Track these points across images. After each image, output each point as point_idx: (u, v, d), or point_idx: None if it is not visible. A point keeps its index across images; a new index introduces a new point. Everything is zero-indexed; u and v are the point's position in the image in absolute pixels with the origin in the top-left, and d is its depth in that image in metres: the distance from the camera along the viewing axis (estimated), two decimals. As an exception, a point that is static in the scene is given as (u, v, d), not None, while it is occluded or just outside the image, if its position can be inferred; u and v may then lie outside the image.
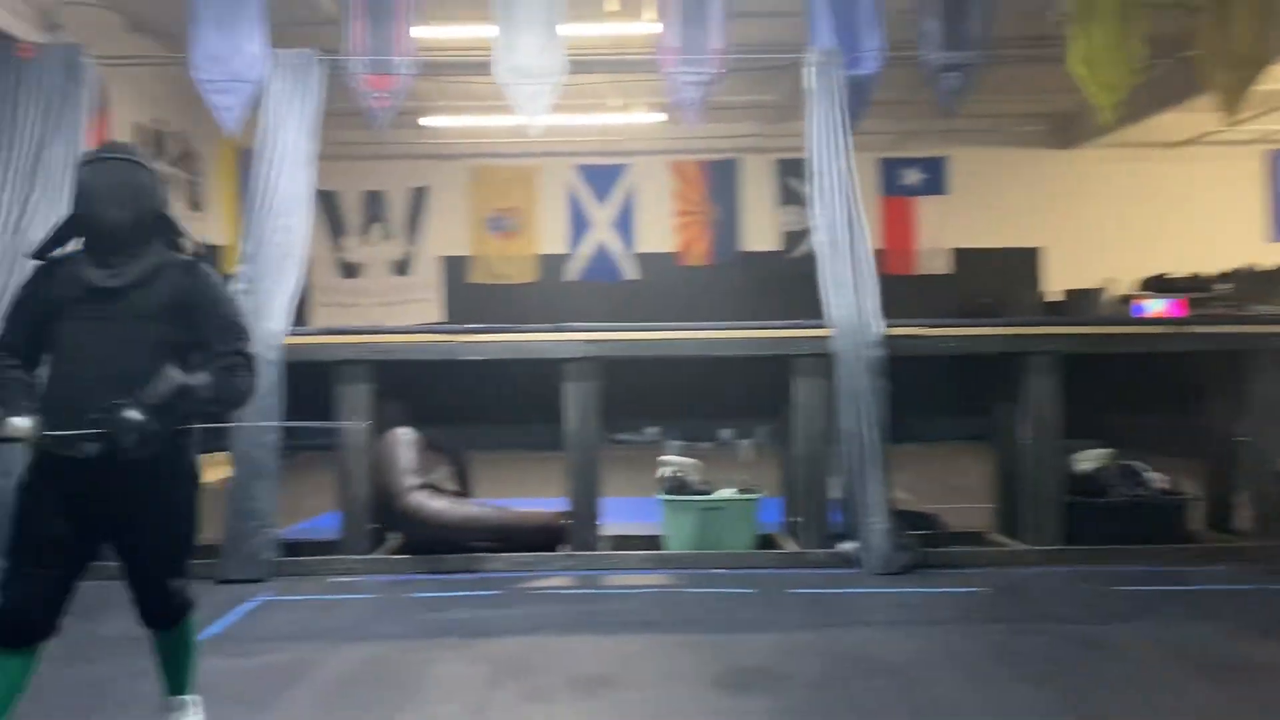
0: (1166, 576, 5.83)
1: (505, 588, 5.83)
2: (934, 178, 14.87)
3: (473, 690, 4.13)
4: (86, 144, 7.25)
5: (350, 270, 15.00)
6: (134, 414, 3.03)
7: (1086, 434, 6.59)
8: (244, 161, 12.26)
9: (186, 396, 3.14)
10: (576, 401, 6.28)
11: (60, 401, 3.12)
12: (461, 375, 6.47)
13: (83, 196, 3.20)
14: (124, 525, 3.22)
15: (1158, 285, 14.15)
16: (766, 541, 6.55)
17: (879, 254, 13.63)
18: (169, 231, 3.36)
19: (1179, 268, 14.17)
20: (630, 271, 14.83)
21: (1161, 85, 9.78)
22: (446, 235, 14.92)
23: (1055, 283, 14.61)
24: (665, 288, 14.34)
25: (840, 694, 4.05)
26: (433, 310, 14.82)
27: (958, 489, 8.83)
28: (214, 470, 10.36)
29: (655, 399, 6.85)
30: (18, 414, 3.05)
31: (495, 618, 5.24)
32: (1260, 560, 6.06)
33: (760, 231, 14.87)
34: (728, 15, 7.02)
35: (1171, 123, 12.80)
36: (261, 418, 6.06)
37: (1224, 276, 13.81)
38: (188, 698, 3.50)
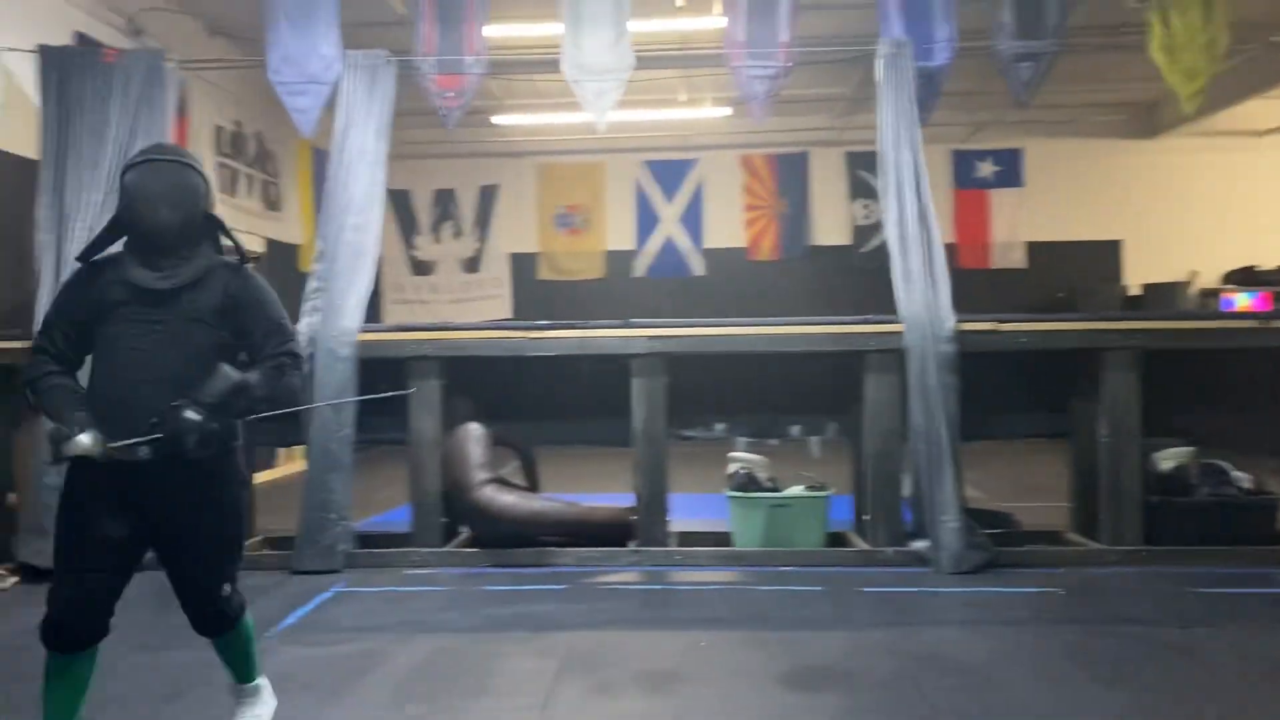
0: (1251, 579, 5.66)
1: (574, 582, 5.87)
2: (1008, 170, 14.57)
3: (540, 683, 4.16)
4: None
5: (421, 268, 15.21)
6: (193, 415, 3.04)
7: (1168, 431, 6.41)
8: (319, 161, 12.58)
9: (242, 394, 3.14)
10: (644, 397, 6.29)
11: (111, 405, 3.10)
12: (530, 371, 6.52)
13: (133, 198, 3.18)
14: (169, 527, 3.19)
15: (1244, 278, 13.69)
16: (836, 539, 6.49)
17: (952, 248, 13.48)
18: (216, 233, 3.37)
19: (1267, 260, 13.69)
20: (698, 267, 14.80)
21: (1247, 72, 9.45)
22: (515, 232, 15.04)
23: (1136, 276, 14.22)
24: (733, 283, 14.29)
25: (910, 693, 4.00)
26: (502, 307, 14.96)
27: (1033, 487, 8.67)
28: (290, 464, 10.62)
29: (723, 395, 6.82)
30: (75, 428, 3.01)
31: (564, 612, 5.28)
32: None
33: (830, 226, 14.73)
34: (796, 8, 6.96)
35: (1258, 110, 12.39)
36: (335, 412, 6.19)
37: (1315, 269, 13.33)
38: (254, 683, 3.54)
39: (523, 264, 15.05)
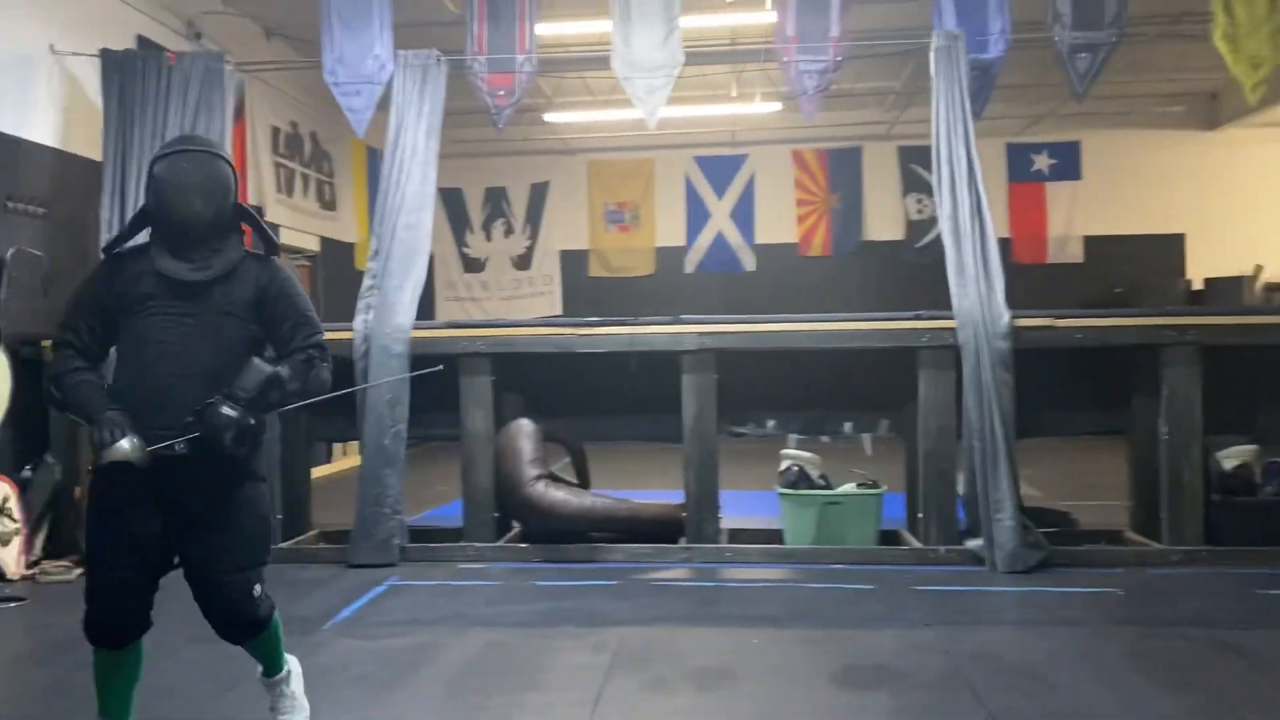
0: (1319, 581, 5.52)
1: (624, 578, 5.88)
2: (1065, 162, 14.32)
3: (592, 678, 4.17)
4: (230, 146, 7.63)
5: (473, 265, 15.33)
6: (230, 411, 3.01)
7: (1231, 429, 6.27)
8: (373, 160, 12.73)
9: (276, 387, 3.12)
10: (694, 394, 6.29)
11: (142, 401, 3.05)
12: (580, 367, 6.54)
13: (165, 189, 3.10)
14: (201, 524, 3.10)
15: (1311, 272, 13.33)
16: (889, 538, 6.44)
17: (1007, 243, 13.30)
18: (249, 224, 3.32)
19: (1335, 253, 13.33)
20: (749, 263, 14.75)
21: (1315, 60, 9.20)
22: (565, 229, 15.10)
23: (1198, 271, 13.91)
24: (785, 279, 14.22)
25: (964, 693, 3.96)
26: (552, 304, 15.03)
27: (1091, 486, 8.53)
28: (345, 459, 10.77)
29: (774, 392, 6.79)
30: (115, 432, 2.95)
31: (615, 608, 5.29)
32: None
33: (883, 221, 14.59)
34: (847, 2, 6.91)
35: (1326, 99, 12.05)
36: (390, 407, 6.28)
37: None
38: (282, 672, 3.42)
39: (573, 261, 15.11)
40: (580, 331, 6.45)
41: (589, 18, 9.24)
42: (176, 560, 3.15)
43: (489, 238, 15.31)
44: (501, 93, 7.14)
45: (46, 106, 7.17)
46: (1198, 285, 13.66)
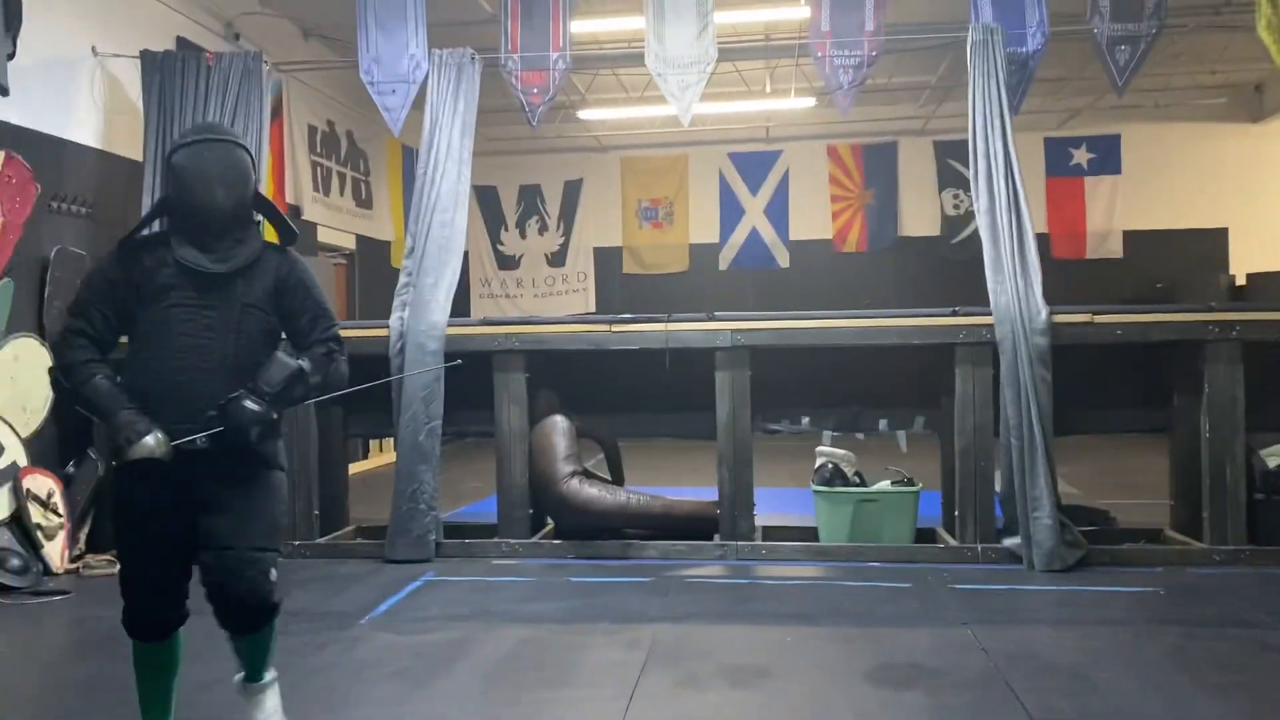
0: (1367, 581, 5.41)
1: (658, 575, 5.88)
2: (1104, 157, 14.13)
3: (626, 675, 4.18)
4: (268, 145, 7.71)
5: (507, 262, 15.39)
6: (254, 405, 2.99)
7: (1274, 427, 6.16)
8: (408, 159, 12.83)
9: (299, 382, 3.10)
10: (728, 391, 6.27)
11: (163, 394, 3.01)
12: (614, 364, 6.55)
13: (187, 178, 3.05)
14: (219, 508, 3.06)
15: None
16: (925, 535, 6.39)
17: (1045, 238, 13.17)
18: (269, 214, 3.31)
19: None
20: (783, 260, 14.69)
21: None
22: (599, 226, 15.13)
23: (1242, 265, 13.67)
24: (819, 275, 14.15)
25: (1001, 693, 3.92)
26: (585, 301, 15.07)
27: (1131, 484, 8.42)
28: (381, 456, 10.86)
29: (809, 389, 6.76)
30: (132, 433, 2.93)
31: (649, 604, 5.30)
32: None
33: (919, 216, 14.48)
34: (882, -4, 6.86)
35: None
36: (425, 404, 6.32)
37: None
38: (266, 678, 3.29)
39: (606, 258, 15.13)
40: (614, 328, 6.46)
41: (623, 14, 9.25)
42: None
43: (523, 235, 15.37)
44: (535, 90, 7.16)
45: (89, 108, 7.28)
46: (1241, 281, 13.42)
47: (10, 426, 6.17)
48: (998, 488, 6.12)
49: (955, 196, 14.21)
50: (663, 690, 4.03)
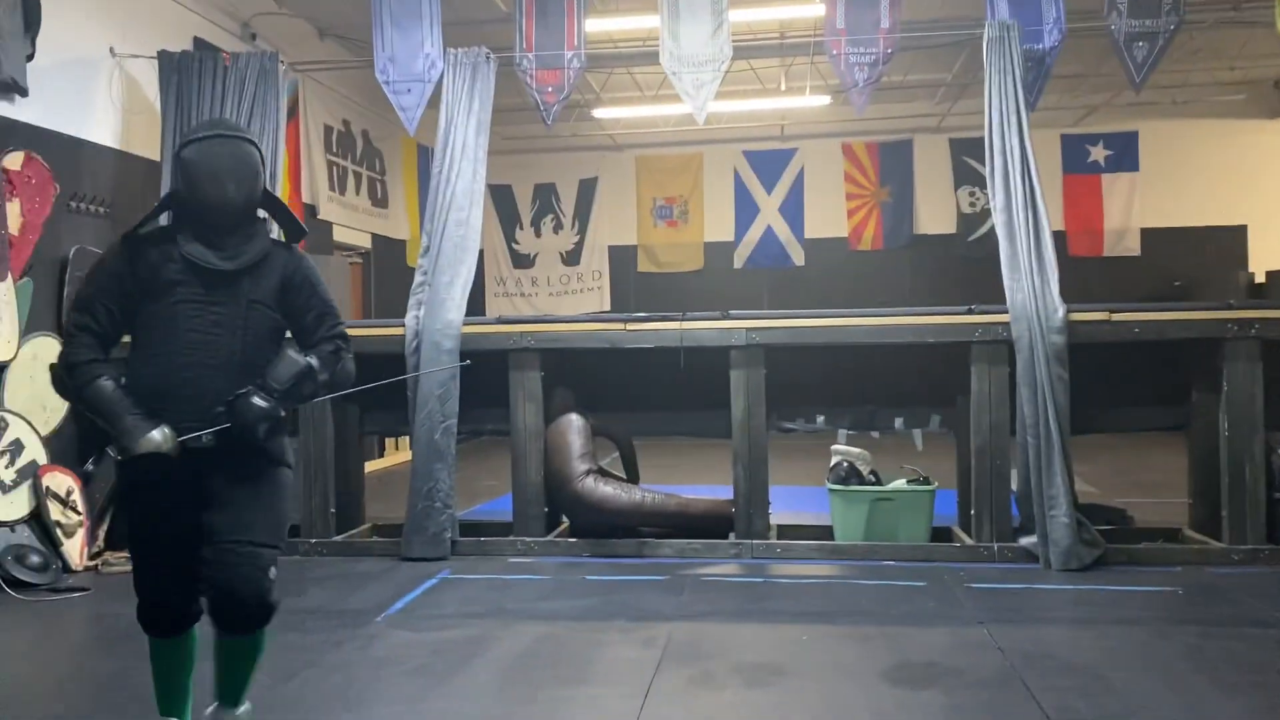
0: (1388, 581, 5.37)
1: (674, 573, 5.88)
2: (1122, 153, 14.05)
3: (642, 673, 4.18)
4: (284, 145, 7.74)
5: (522, 261, 15.42)
6: (261, 402, 2.98)
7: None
8: (424, 158, 12.86)
9: (308, 379, 3.09)
10: (743, 389, 6.27)
11: (170, 391, 2.99)
12: (629, 363, 6.56)
13: (198, 173, 3.03)
14: (221, 501, 3.04)
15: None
16: (941, 534, 6.37)
17: (1062, 235, 13.09)
18: (277, 210, 3.29)
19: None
20: (798, 258, 14.67)
21: (1384, 45, 8.96)
22: (614, 225, 15.14)
23: (1262, 263, 13.57)
24: (834, 274, 14.12)
25: (1017, 692, 3.90)
26: (600, 299, 15.08)
27: (1149, 483, 8.38)
28: (397, 454, 10.89)
29: (824, 387, 6.75)
30: (137, 439, 2.92)
31: (664, 602, 5.30)
32: None
33: (934, 214, 14.43)
34: (897, -8, 6.85)
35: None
36: (440, 403, 6.33)
37: None
38: (241, 709, 3.21)
39: (621, 256, 15.14)
40: (629, 327, 6.46)
41: (637, 13, 9.26)
42: None
43: (538, 234, 15.39)
44: (550, 89, 7.17)
45: (107, 108, 7.33)
46: (1260, 278, 13.33)
47: (30, 425, 6.23)
48: (1014, 486, 6.10)
49: (971, 194, 14.16)
50: (678, 688, 4.03)
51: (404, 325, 6.42)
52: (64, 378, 3.07)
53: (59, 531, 6.12)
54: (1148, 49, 6.64)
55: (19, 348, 6.21)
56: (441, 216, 6.69)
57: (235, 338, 3.06)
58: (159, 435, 2.94)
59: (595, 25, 9.14)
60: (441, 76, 6.91)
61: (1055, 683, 3.98)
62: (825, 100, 12.51)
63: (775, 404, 6.42)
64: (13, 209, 6.22)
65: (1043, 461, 5.90)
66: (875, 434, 6.81)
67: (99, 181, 7.14)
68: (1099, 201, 14.07)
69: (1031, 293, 6.04)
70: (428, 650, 4.53)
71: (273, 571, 3.08)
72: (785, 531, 6.53)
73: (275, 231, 3.39)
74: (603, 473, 6.58)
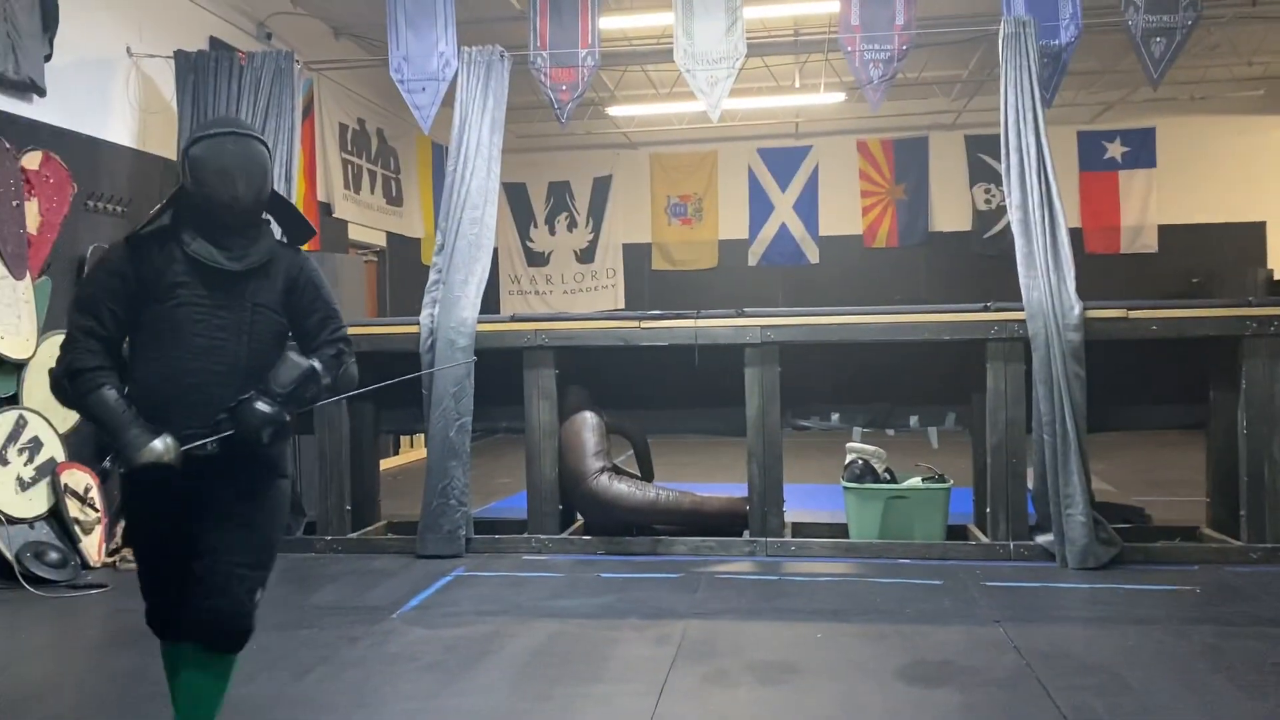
0: None
1: (688, 571, 5.88)
2: (1139, 150, 13.96)
3: (655, 670, 4.18)
4: (299, 144, 7.77)
5: (536, 259, 15.44)
6: (265, 407, 2.93)
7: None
8: (438, 156, 12.89)
9: (311, 383, 3.05)
10: (758, 387, 6.26)
11: (175, 396, 2.94)
12: (644, 360, 6.56)
13: (207, 171, 2.96)
14: (218, 514, 2.99)
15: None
16: (956, 532, 6.35)
17: (1078, 232, 13.03)
18: (284, 211, 3.26)
19: None
20: (812, 255, 14.64)
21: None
22: (628, 223, 15.14)
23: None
24: (849, 271, 14.10)
25: (1033, 691, 3.89)
26: (614, 297, 15.09)
27: (1167, 481, 8.33)
28: (412, 452, 10.92)
29: (839, 385, 6.73)
30: (140, 451, 2.86)
31: (678, 600, 5.30)
32: None
33: (950, 211, 14.37)
34: (913, -11, 6.82)
35: None
36: (455, 401, 6.35)
37: None
38: None
39: (635, 254, 15.14)
40: (643, 325, 6.46)
41: (651, 11, 9.25)
42: None
43: (552, 231, 15.41)
44: (564, 87, 7.18)
45: (124, 108, 7.38)
46: (1279, 275, 13.24)
47: (48, 422, 6.27)
48: (1030, 484, 6.07)
49: (987, 191, 14.10)
50: (692, 686, 4.03)
51: (419, 323, 6.44)
52: (65, 384, 2.97)
53: (77, 528, 6.16)
54: (1165, 44, 6.59)
55: (38, 346, 6.25)
56: (456, 215, 6.70)
57: (241, 342, 3.01)
58: (161, 445, 2.88)
59: (609, 23, 9.14)
60: (456, 75, 6.92)
61: (1072, 682, 3.96)
62: (840, 97, 12.47)
63: (790, 402, 6.41)
64: (31, 208, 6.27)
65: (1059, 459, 5.88)
66: (890, 432, 6.79)
67: (116, 181, 7.19)
68: (1115, 198, 13.99)
69: (1048, 290, 6.01)
70: (442, 647, 4.54)
71: (258, 595, 3.04)
72: (800, 529, 6.52)
73: (276, 233, 3.36)
74: (617, 470, 6.58)
